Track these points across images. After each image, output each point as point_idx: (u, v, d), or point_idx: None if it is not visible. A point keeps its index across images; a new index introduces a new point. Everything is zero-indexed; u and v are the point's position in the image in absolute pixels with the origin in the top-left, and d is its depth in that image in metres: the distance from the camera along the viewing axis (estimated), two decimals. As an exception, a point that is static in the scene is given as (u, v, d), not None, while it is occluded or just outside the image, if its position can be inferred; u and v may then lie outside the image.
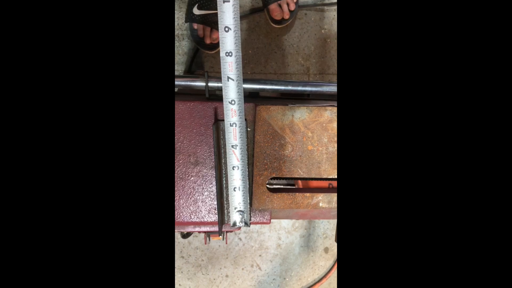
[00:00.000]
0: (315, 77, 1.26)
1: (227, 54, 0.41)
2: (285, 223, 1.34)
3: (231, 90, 0.41)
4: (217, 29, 1.12)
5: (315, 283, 1.34)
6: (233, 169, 0.46)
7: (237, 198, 0.47)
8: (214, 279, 1.30)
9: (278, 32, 1.23)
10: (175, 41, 1.19)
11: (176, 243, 1.27)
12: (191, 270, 1.28)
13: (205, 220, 0.47)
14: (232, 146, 0.45)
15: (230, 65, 0.40)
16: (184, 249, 1.28)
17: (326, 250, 1.38)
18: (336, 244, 0.59)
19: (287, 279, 1.36)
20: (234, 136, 0.45)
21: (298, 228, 1.35)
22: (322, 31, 1.26)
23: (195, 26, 1.12)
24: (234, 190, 0.47)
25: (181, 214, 0.46)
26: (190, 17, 1.10)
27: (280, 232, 1.34)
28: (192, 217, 0.46)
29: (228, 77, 0.41)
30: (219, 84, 0.47)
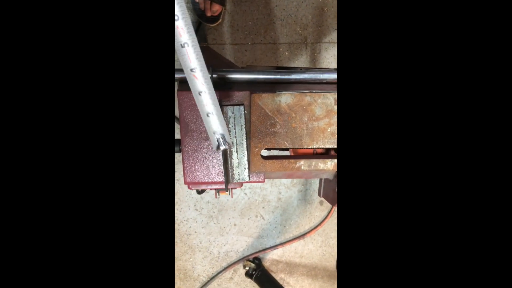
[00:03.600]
0: (313, 46, 1.33)
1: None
2: (285, 180, 1.52)
3: (175, 5, 0.34)
4: (216, 1, 1.17)
5: (311, 230, 1.56)
6: (200, 95, 0.41)
7: (214, 123, 0.46)
8: (224, 227, 1.52)
9: (277, 3, 1.27)
10: (179, 15, 1.25)
11: (190, 198, 1.47)
12: (204, 220, 1.50)
13: (215, 180, 0.62)
14: (191, 70, 0.39)
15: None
16: (198, 203, 1.49)
17: (321, 202, 1.57)
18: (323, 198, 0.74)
19: (286, 227, 1.58)
20: (189, 58, 0.38)
21: (296, 184, 1.52)
22: (320, -1, 1.29)
23: None
24: (208, 116, 0.44)
25: (197, 176, 0.62)
26: (192, -9, 1.15)
27: (280, 188, 1.52)
28: (205, 178, 0.62)
29: None
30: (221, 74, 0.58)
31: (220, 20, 1.26)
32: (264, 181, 0.64)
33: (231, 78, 0.59)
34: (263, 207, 1.57)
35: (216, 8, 1.21)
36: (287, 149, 0.63)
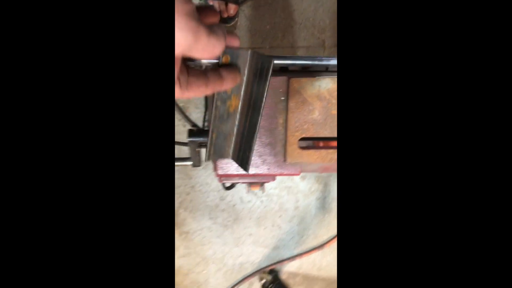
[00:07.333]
0: (330, 50, 1.32)
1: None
2: (303, 187, 1.47)
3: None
4: (231, 1, 1.17)
5: (329, 240, 1.49)
6: None
7: None
8: (240, 237, 1.46)
9: (295, 7, 1.28)
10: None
11: (205, 207, 1.42)
12: (219, 229, 1.44)
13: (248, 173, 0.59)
14: None
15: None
16: (213, 212, 1.43)
17: (340, 211, 1.52)
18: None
19: (304, 237, 1.51)
20: None
21: (315, 191, 1.47)
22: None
23: (211, 2, 1.17)
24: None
25: (230, 168, 0.58)
26: (206, -6, 1.15)
27: (298, 196, 1.47)
28: (239, 170, 0.58)
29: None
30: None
31: (237, 18, 1.26)
32: (299, 174, 0.60)
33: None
34: (280, 216, 1.51)
35: (233, 8, 1.21)
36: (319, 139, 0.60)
